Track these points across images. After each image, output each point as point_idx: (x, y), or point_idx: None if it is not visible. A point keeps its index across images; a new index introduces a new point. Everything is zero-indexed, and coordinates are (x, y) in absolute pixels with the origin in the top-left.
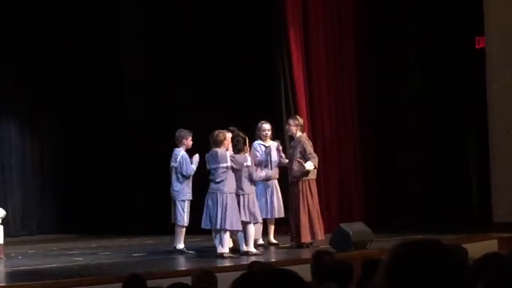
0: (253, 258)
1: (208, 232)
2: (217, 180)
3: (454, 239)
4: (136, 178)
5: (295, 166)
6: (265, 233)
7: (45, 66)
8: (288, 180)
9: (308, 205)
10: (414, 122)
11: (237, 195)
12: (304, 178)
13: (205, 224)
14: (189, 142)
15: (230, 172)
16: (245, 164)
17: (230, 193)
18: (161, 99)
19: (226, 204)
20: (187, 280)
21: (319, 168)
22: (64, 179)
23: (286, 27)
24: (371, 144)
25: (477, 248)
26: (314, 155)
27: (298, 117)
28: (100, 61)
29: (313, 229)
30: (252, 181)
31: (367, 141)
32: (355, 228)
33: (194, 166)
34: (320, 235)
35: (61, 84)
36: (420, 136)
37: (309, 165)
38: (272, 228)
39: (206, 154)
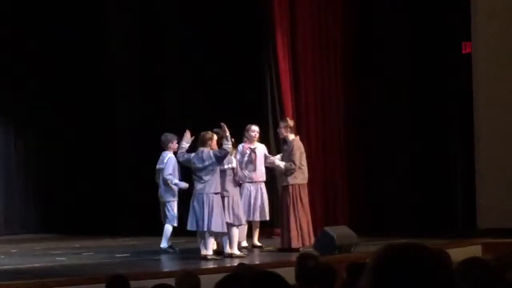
0: (237, 260)
1: (193, 233)
2: (202, 180)
3: (438, 244)
4: (121, 178)
5: (268, 160)
6: (249, 235)
7: (30, 68)
8: (278, 184)
9: (298, 210)
10: (400, 126)
11: (222, 197)
12: (295, 183)
13: (191, 226)
14: (174, 145)
15: (216, 173)
16: (230, 165)
17: (215, 193)
18: (149, 100)
19: (212, 206)
20: (171, 281)
21: None
22: (48, 179)
23: (273, 30)
24: (357, 148)
25: (461, 253)
26: (295, 165)
27: (288, 118)
28: (87, 63)
29: (302, 234)
30: (235, 181)
31: (353, 145)
32: (340, 232)
33: (171, 175)
34: (309, 241)
35: (46, 85)
36: (406, 140)
37: (280, 163)
38: (256, 231)
39: (192, 155)
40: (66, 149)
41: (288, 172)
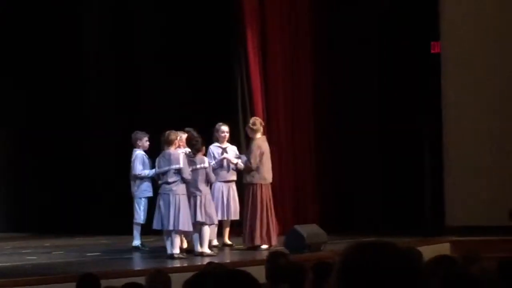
0: (207, 259)
1: (161, 232)
2: (169, 181)
3: (407, 242)
4: (93, 177)
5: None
6: (219, 234)
7: (3, 65)
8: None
9: (260, 209)
10: (369, 126)
11: (194, 196)
12: (252, 182)
13: (156, 225)
14: (144, 143)
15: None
16: (202, 165)
17: (182, 194)
18: (122, 100)
19: (179, 205)
20: (141, 280)
21: (274, 170)
22: (19, 177)
23: (243, 30)
24: (326, 147)
25: (430, 252)
26: (252, 163)
27: (252, 119)
28: (60, 60)
29: (264, 233)
30: (208, 182)
31: (323, 144)
32: (310, 230)
33: (142, 170)
34: (273, 239)
35: (17, 84)
36: (375, 140)
37: (242, 161)
38: (227, 230)
39: (157, 157)
40: (37, 147)
41: (246, 169)
